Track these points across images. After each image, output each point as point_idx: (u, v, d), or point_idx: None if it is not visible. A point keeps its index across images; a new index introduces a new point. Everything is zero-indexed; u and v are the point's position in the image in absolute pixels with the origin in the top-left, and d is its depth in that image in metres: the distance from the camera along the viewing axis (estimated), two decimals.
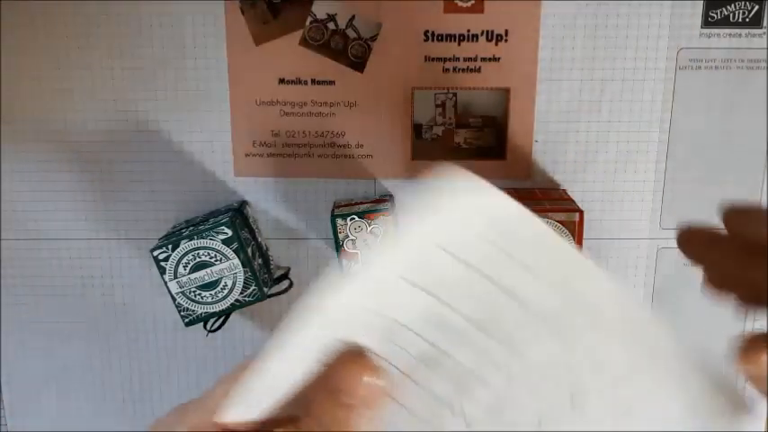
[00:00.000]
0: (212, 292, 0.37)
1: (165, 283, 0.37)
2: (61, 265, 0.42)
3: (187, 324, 0.38)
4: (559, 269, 0.21)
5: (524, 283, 0.21)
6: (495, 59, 0.39)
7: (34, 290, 0.43)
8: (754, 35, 0.39)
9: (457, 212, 0.21)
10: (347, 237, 0.37)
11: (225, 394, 0.23)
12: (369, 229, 0.37)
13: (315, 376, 0.22)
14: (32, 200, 0.41)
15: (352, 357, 0.21)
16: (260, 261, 0.38)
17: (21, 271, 0.42)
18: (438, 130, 0.40)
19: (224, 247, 0.37)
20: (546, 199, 0.39)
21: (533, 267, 0.21)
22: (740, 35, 0.39)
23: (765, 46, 0.39)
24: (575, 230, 0.36)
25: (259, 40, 0.38)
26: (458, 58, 0.38)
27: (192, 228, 0.37)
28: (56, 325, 0.43)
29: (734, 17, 0.39)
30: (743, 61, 0.39)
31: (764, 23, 0.39)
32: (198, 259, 0.37)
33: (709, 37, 0.39)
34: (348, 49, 0.38)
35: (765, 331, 0.21)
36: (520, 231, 0.21)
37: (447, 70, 0.39)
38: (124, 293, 0.42)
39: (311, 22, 0.38)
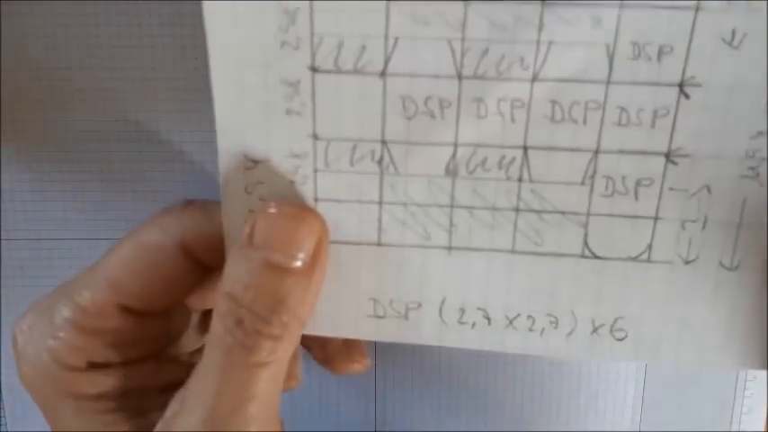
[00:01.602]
0: None
1: None
2: (61, 266, 0.41)
3: None
4: None
5: None
6: None
7: (34, 290, 0.42)
8: None
9: None
10: None
11: (126, 262, 0.19)
12: None
13: (237, 240, 0.18)
14: (32, 200, 0.40)
15: (283, 205, 0.17)
16: None
17: (21, 271, 0.42)
18: None
19: None
20: None
21: None
22: None
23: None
24: None
25: None
26: None
27: None
28: None
29: None
30: None
31: None
32: None
33: None
34: None
35: None
36: None
37: None
38: None
39: None
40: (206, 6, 0.17)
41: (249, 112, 0.18)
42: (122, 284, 0.19)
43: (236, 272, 0.17)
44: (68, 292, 0.19)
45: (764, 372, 0.22)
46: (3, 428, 0.45)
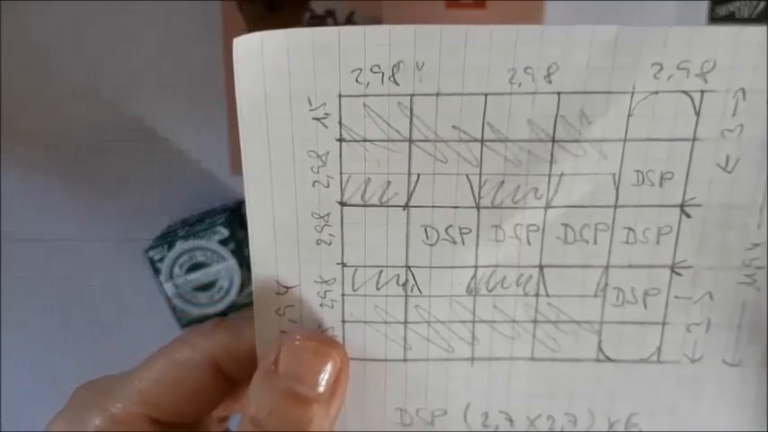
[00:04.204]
0: (209, 294, 0.35)
1: (161, 284, 0.35)
2: (59, 266, 0.41)
3: (183, 326, 0.36)
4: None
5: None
6: None
7: (31, 291, 0.42)
8: None
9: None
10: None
11: (158, 376, 0.20)
12: None
13: (261, 366, 0.19)
14: (32, 200, 0.40)
15: (306, 337, 0.19)
16: None
17: (18, 272, 0.41)
18: None
19: (220, 247, 0.35)
20: None
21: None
22: None
23: None
24: None
25: None
26: None
27: (187, 228, 0.36)
28: (52, 325, 0.42)
29: (739, 13, 0.37)
30: None
31: None
32: (194, 260, 0.35)
33: None
34: None
35: None
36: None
37: None
38: (122, 294, 0.41)
39: (309, 19, 0.36)
40: (244, 151, 0.18)
41: (282, 244, 0.19)
42: (153, 398, 0.20)
43: (260, 396, 0.18)
44: (101, 401, 0.20)
45: None
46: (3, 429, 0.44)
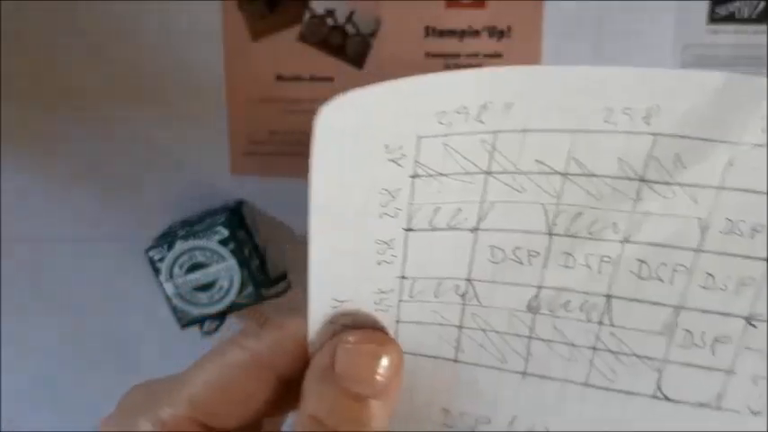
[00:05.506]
0: (209, 294, 0.35)
1: (161, 284, 0.35)
2: (59, 267, 0.41)
3: (183, 326, 0.36)
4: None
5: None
6: (498, 56, 0.37)
7: (31, 291, 0.42)
8: (760, 32, 0.37)
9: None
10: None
11: (207, 379, 0.20)
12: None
13: (317, 366, 0.19)
14: (32, 200, 0.40)
15: (360, 339, 0.19)
16: (257, 262, 0.36)
17: (18, 272, 0.41)
18: None
19: (220, 247, 0.35)
20: None
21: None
22: (746, 32, 0.37)
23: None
24: None
25: (256, 35, 0.36)
26: (459, 55, 0.37)
27: (187, 228, 0.35)
28: (52, 325, 0.42)
29: (739, 13, 0.37)
30: (750, 59, 0.37)
31: None
32: (194, 260, 0.35)
33: (716, 33, 0.37)
34: (347, 44, 0.36)
35: None
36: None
37: (448, 66, 0.37)
38: (122, 294, 0.41)
39: (309, 18, 0.36)
40: (314, 177, 0.17)
41: (342, 267, 0.19)
42: (204, 403, 0.20)
43: (318, 397, 0.18)
44: (151, 405, 0.20)
45: None
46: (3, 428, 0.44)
